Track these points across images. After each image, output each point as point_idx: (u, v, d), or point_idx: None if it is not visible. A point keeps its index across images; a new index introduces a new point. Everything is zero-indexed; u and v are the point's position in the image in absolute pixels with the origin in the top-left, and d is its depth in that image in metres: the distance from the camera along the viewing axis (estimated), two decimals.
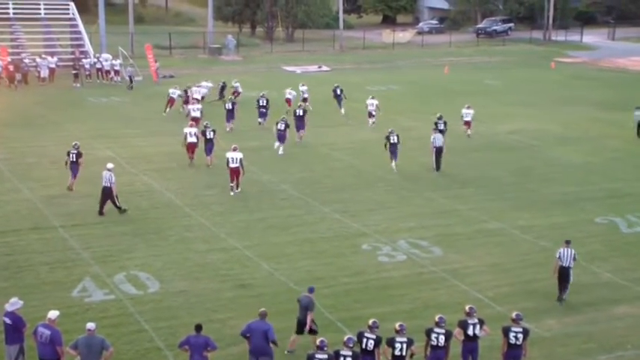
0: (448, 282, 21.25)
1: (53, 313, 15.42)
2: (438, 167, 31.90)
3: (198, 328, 15.54)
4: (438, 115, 35.38)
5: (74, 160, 28.02)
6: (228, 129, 37.57)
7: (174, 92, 42.64)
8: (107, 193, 25.85)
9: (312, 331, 17.42)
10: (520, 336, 15.75)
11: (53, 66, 51.73)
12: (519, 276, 21.79)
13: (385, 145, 31.95)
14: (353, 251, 23.30)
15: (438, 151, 31.81)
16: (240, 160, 28.11)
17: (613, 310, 19.84)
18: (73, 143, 29.09)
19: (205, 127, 32.31)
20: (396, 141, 31.85)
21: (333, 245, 23.75)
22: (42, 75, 50.99)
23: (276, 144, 34.51)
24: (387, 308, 19.31)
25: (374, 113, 40.44)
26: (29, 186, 28.89)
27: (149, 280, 20.95)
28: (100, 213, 25.84)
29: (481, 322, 16.10)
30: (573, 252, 19.96)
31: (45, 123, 39.60)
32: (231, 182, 28.45)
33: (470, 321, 16.03)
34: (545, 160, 34.41)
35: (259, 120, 39.73)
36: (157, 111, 43.07)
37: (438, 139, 31.86)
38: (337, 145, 36.23)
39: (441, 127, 34.17)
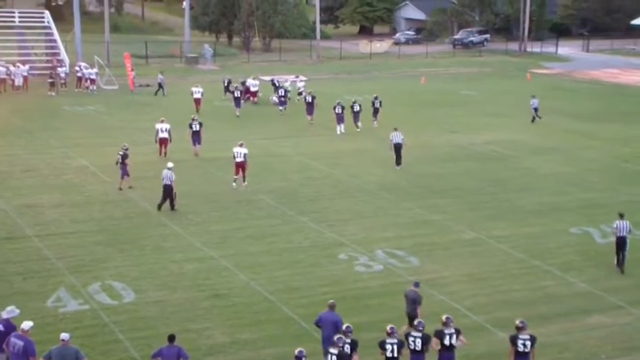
0: (425, 292, 21.15)
1: (27, 324, 15.25)
2: (398, 163, 33.62)
3: (171, 338, 15.43)
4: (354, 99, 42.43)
5: (120, 161, 28.98)
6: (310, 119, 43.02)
7: (198, 91, 45.13)
8: (168, 191, 27.03)
9: None
10: (528, 343, 15.86)
11: (26, 74, 51.33)
12: (495, 286, 21.86)
13: (351, 110, 40.69)
14: (330, 261, 23.26)
15: (397, 147, 33.46)
16: (245, 154, 29.85)
17: (587, 320, 19.94)
18: (122, 145, 30.07)
19: (192, 119, 34.88)
20: (358, 109, 40.63)
21: (309, 255, 23.70)
22: (16, 83, 50.62)
23: (338, 127, 40.12)
24: (364, 318, 19.26)
25: (304, 92, 47.26)
26: (2, 195, 28.59)
27: (124, 290, 20.79)
28: (170, 208, 27.17)
29: (457, 332, 16.13)
30: (628, 224, 22.82)
31: (19, 132, 39.27)
32: (236, 175, 30.09)
33: (446, 331, 16.05)
34: (520, 171, 34.60)
35: (280, 108, 45.94)
36: (133, 120, 42.90)
37: (397, 137, 33.56)
38: (314, 154, 36.21)
39: (357, 108, 40.83)
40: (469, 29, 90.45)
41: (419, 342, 15.74)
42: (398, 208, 28.57)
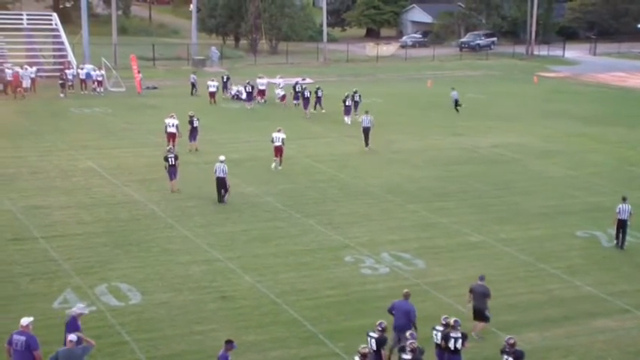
0: (431, 294, 21.28)
1: (25, 320, 15.34)
2: (366, 144, 37.14)
3: (227, 342, 15.43)
4: (354, 90, 45.82)
5: (173, 163, 29.34)
6: (306, 113, 45.83)
7: (213, 85, 49.31)
8: (222, 183, 28.38)
9: (486, 318, 18.37)
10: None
11: (33, 76, 51.43)
12: (501, 289, 21.78)
13: (344, 101, 43.68)
14: (336, 263, 23.29)
15: (365, 130, 37.08)
16: (283, 139, 32.81)
17: (593, 324, 19.93)
18: (168, 147, 30.69)
19: (191, 116, 36.00)
20: (350, 104, 43.59)
21: (316, 257, 23.73)
22: (24, 85, 50.69)
23: (345, 118, 43.45)
24: (370, 320, 19.17)
25: (265, 91, 50.58)
26: (9, 197, 28.68)
27: (131, 291, 20.84)
28: (220, 201, 28.45)
29: (464, 337, 16.14)
30: (629, 207, 24.83)
31: (26, 133, 39.37)
32: (275, 157, 33.07)
33: (452, 334, 16.09)
34: (527, 174, 34.58)
35: (294, 102, 48.37)
36: (140, 122, 43.01)
37: (365, 121, 37.24)
38: (320, 157, 36.25)
39: (348, 103, 43.64)
40: (476, 32, 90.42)
41: (459, 342, 16.05)
42: (404, 211, 28.58)
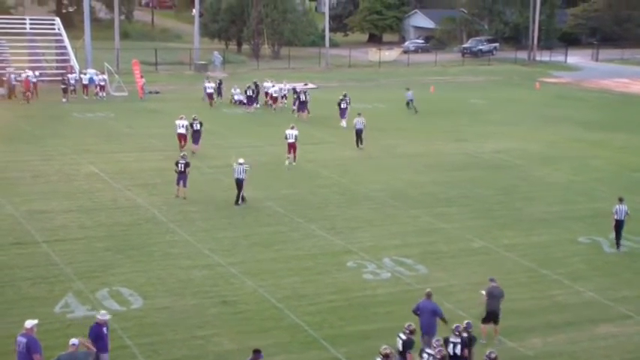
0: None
1: (29, 322, 15.38)
2: (360, 143, 38.59)
3: (254, 351, 15.51)
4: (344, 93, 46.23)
5: (182, 170, 29.13)
6: (304, 116, 46.19)
7: (210, 86, 50.64)
8: (241, 184, 28.81)
9: (498, 320, 18.65)
10: None
11: (34, 80, 51.46)
12: None
13: (339, 104, 44.61)
14: (338, 269, 23.26)
15: (358, 132, 38.58)
16: (296, 136, 34.46)
17: (595, 330, 19.90)
18: (181, 154, 30.52)
19: (193, 119, 36.60)
20: (345, 106, 44.23)
21: (318, 262, 23.70)
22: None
23: (342, 120, 44.11)
24: (372, 326, 19.27)
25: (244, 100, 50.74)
26: (11, 201, 28.67)
27: (132, 296, 20.83)
28: (237, 203, 28.83)
29: (463, 344, 16.05)
30: (626, 208, 25.32)
31: (28, 137, 39.40)
32: (288, 154, 34.67)
33: (452, 339, 16.04)
34: (529, 179, 34.55)
35: (294, 107, 48.20)
36: (143, 126, 43.02)
37: (359, 123, 38.62)
38: (322, 162, 36.24)
39: (343, 105, 44.43)
40: (478, 38, 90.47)
41: (458, 348, 16.02)
42: (406, 216, 28.56)
